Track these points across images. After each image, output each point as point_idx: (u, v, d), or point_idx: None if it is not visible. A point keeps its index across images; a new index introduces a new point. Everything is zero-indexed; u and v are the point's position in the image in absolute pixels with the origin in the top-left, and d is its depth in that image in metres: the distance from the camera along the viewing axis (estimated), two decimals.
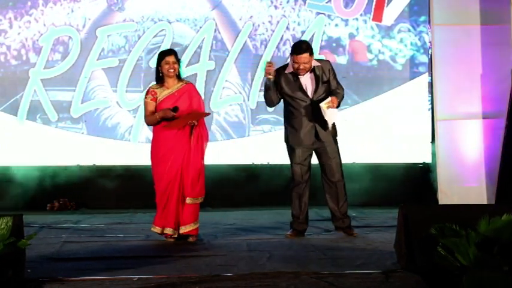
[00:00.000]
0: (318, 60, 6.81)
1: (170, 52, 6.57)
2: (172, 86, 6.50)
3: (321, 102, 6.62)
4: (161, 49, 9.06)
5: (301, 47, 6.66)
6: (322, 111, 6.63)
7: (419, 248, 5.04)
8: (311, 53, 6.64)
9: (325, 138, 6.77)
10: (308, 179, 6.90)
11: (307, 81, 6.70)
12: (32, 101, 9.04)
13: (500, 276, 4.46)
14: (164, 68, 6.46)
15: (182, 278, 5.08)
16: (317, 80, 6.69)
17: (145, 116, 6.54)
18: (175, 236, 6.49)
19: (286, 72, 6.73)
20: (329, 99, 6.62)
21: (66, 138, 9.08)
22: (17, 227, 4.95)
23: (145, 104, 6.52)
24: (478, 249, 4.69)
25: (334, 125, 6.79)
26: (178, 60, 6.52)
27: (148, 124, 6.67)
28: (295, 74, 6.69)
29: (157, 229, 6.52)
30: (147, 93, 6.54)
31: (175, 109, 6.38)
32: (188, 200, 6.47)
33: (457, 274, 4.62)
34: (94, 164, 9.12)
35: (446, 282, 4.74)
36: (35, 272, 5.29)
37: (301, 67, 6.61)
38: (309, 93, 6.69)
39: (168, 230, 6.47)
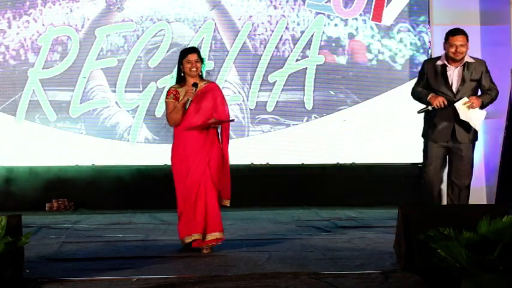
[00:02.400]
0: (472, 57, 6.66)
1: (192, 50, 6.19)
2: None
3: (465, 97, 6.51)
4: (160, 49, 9.11)
5: (457, 29, 6.58)
6: (458, 110, 6.47)
7: (418, 248, 5.03)
8: (467, 39, 6.55)
9: (462, 139, 6.57)
10: (440, 180, 6.70)
11: (454, 76, 6.57)
12: (30, 101, 9.02)
13: (499, 278, 4.45)
14: (186, 67, 6.11)
15: (181, 278, 5.07)
16: (464, 76, 6.56)
17: (167, 116, 6.15)
18: (201, 239, 6.08)
19: (437, 63, 6.62)
20: (466, 98, 6.47)
21: (65, 139, 9.07)
22: (15, 227, 4.94)
23: (167, 103, 6.14)
24: (478, 250, 4.68)
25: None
26: (201, 59, 6.17)
27: (172, 122, 6.14)
28: (444, 67, 6.57)
29: (188, 238, 6.08)
30: (168, 94, 6.17)
31: (195, 84, 6.07)
32: (228, 203, 6.21)
33: (456, 274, 4.61)
34: (93, 164, 9.10)
35: (445, 282, 4.73)
36: (34, 272, 5.28)
37: (458, 50, 6.49)
38: (454, 88, 6.57)
39: (196, 236, 6.05)
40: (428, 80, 6.64)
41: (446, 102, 6.51)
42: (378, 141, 9.25)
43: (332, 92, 9.29)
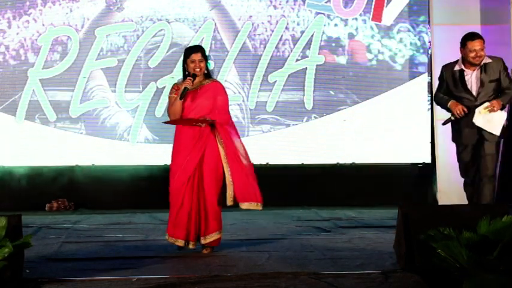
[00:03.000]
0: (489, 57, 6.65)
1: (196, 49, 6.10)
2: (198, 83, 6.07)
3: (487, 102, 6.50)
4: (160, 49, 9.10)
5: (474, 33, 6.61)
6: (477, 114, 6.49)
7: (418, 248, 5.03)
8: (484, 41, 6.55)
9: (488, 137, 6.63)
10: (475, 179, 6.73)
11: (472, 80, 6.58)
12: (30, 101, 9.02)
13: (501, 278, 4.45)
14: (190, 66, 6.03)
15: (181, 278, 5.07)
16: (483, 79, 6.55)
17: (167, 110, 6.14)
18: (191, 247, 6.01)
19: (454, 69, 6.63)
20: (487, 103, 6.48)
21: (64, 139, 9.06)
22: (15, 227, 4.94)
23: (168, 99, 6.13)
24: (478, 250, 4.68)
25: (503, 126, 6.62)
26: (205, 57, 6.09)
27: (171, 115, 6.06)
28: (462, 72, 6.58)
29: (171, 239, 6.06)
30: (171, 89, 6.11)
31: (193, 75, 5.98)
32: (244, 206, 6.06)
33: (456, 274, 4.61)
34: (93, 164, 9.10)
35: (446, 282, 4.73)
36: (34, 272, 5.29)
37: (478, 54, 6.50)
38: (474, 92, 6.58)
39: (179, 242, 6.01)
40: (449, 87, 6.66)
41: (466, 110, 6.54)
42: (378, 141, 9.24)
43: (332, 92, 9.29)
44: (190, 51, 6.12)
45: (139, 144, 9.13)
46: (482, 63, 6.56)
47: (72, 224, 7.79)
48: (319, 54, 9.24)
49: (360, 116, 9.26)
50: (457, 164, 8.39)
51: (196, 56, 6.06)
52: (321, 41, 9.24)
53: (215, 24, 9.18)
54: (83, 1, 9.06)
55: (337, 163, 9.28)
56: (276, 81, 9.21)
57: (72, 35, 9.06)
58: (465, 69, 6.57)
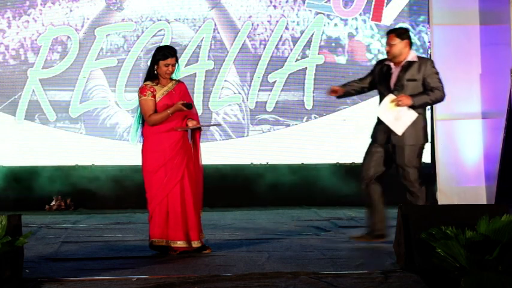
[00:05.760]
0: (419, 57, 6.53)
1: (173, 54, 6.01)
2: (166, 84, 6.07)
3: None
4: None
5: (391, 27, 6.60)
6: (382, 108, 6.39)
7: (418, 248, 5.03)
8: (400, 37, 6.39)
9: (398, 141, 6.47)
10: (373, 178, 6.68)
11: (394, 74, 6.46)
12: (30, 100, 9.02)
13: (499, 277, 4.46)
14: (163, 69, 5.99)
15: (181, 278, 5.08)
16: (401, 76, 6.40)
17: (149, 116, 6.01)
18: (189, 249, 5.98)
19: (385, 62, 6.56)
20: (393, 96, 6.30)
21: (64, 138, 9.07)
22: (15, 227, 4.94)
23: (145, 102, 6.00)
24: (477, 250, 4.68)
25: (423, 128, 6.42)
26: (177, 61, 6.08)
27: (154, 124, 6.07)
28: (389, 67, 6.50)
29: (160, 241, 6.01)
30: (143, 91, 6.02)
31: (189, 106, 5.95)
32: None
33: (455, 274, 4.62)
34: (93, 164, 9.10)
35: (445, 282, 4.73)
36: (33, 272, 5.29)
37: (387, 48, 6.44)
38: (392, 88, 6.47)
39: (181, 243, 5.96)
40: (374, 79, 6.63)
41: (336, 89, 6.65)
42: None
43: None
44: (167, 54, 6.02)
45: (139, 144, 9.10)
46: (405, 61, 6.46)
47: (72, 224, 7.79)
48: (319, 54, 9.24)
49: (359, 116, 9.26)
50: (457, 164, 8.43)
51: (172, 61, 6.01)
52: (321, 40, 9.24)
53: (215, 24, 9.18)
54: (82, 1, 9.06)
55: (337, 163, 9.28)
56: (275, 81, 9.21)
57: (72, 35, 9.07)
58: (392, 66, 6.51)
